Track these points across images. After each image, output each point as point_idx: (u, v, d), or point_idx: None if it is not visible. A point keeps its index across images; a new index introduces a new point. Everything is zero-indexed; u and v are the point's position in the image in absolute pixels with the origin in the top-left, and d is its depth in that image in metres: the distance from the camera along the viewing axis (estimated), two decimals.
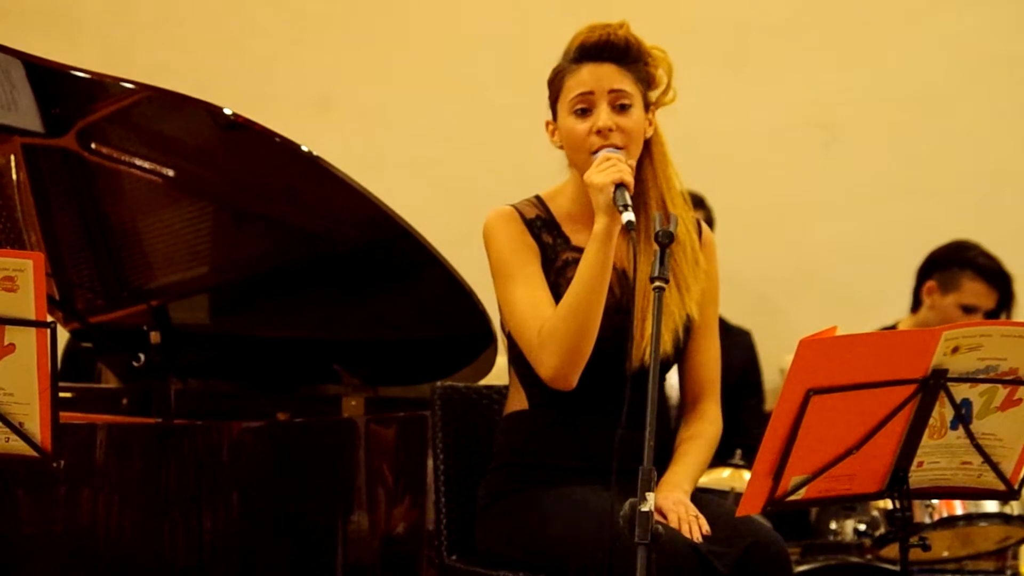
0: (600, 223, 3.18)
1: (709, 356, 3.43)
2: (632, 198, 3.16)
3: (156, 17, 6.23)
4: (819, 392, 2.81)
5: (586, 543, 3.09)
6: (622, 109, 3.30)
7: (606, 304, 3.23)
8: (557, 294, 3.29)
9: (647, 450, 2.78)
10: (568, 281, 3.26)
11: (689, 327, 3.36)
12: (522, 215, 3.37)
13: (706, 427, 3.40)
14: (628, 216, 3.08)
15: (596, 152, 3.26)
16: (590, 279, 3.19)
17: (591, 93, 3.30)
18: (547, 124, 3.39)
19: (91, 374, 4.75)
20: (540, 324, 3.24)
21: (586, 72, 3.31)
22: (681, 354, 3.38)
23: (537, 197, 3.42)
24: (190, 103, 3.67)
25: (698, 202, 5.40)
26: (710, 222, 5.47)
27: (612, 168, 3.17)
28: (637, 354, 3.25)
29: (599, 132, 3.28)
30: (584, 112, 3.30)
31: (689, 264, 3.35)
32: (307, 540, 3.69)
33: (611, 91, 3.30)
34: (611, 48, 3.31)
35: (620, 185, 3.14)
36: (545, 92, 3.38)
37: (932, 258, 5.45)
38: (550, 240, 3.36)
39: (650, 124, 3.35)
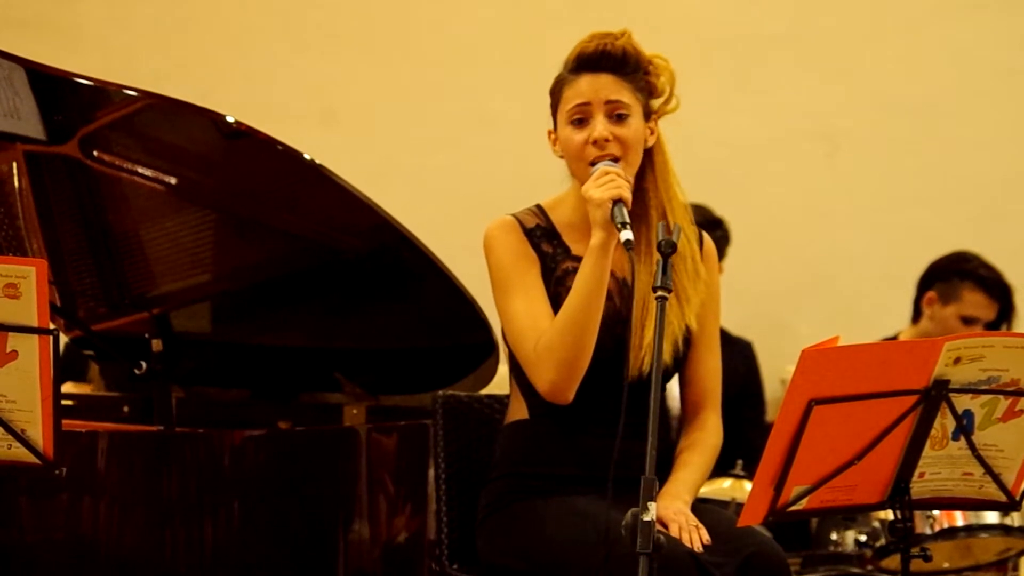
0: (597, 238, 3.17)
1: (709, 367, 3.43)
2: (632, 207, 3.17)
3: (158, 24, 6.22)
4: (821, 402, 2.81)
5: (586, 553, 3.08)
6: (619, 119, 3.29)
7: (605, 313, 3.23)
8: (557, 304, 3.28)
9: (649, 459, 2.78)
10: (568, 291, 3.26)
11: (688, 338, 3.35)
12: (522, 224, 3.37)
13: (706, 437, 3.40)
14: (627, 235, 3.06)
15: (594, 163, 3.27)
16: (586, 293, 3.19)
17: (588, 104, 3.29)
18: (549, 133, 3.39)
19: (82, 376, 4.76)
20: (537, 337, 3.24)
21: (583, 82, 3.30)
22: (680, 364, 3.38)
23: (538, 206, 3.42)
24: (192, 111, 3.67)
25: (716, 224, 5.37)
26: (726, 241, 5.46)
27: (610, 184, 3.16)
28: (635, 364, 3.25)
29: (595, 143, 3.27)
30: (581, 122, 3.30)
31: (689, 275, 3.35)
32: (308, 549, 3.68)
33: (608, 102, 3.29)
34: (608, 58, 3.30)
35: (618, 201, 3.13)
36: (548, 101, 3.39)
37: (932, 269, 5.45)
38: (550, 250, 3.36)
39: (652, 133, 3.35)
